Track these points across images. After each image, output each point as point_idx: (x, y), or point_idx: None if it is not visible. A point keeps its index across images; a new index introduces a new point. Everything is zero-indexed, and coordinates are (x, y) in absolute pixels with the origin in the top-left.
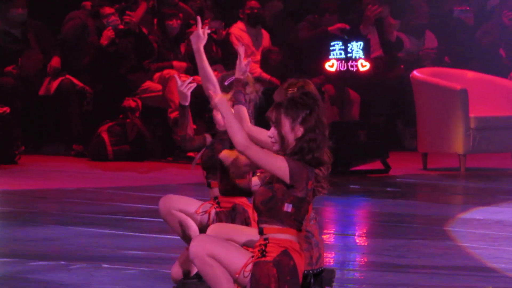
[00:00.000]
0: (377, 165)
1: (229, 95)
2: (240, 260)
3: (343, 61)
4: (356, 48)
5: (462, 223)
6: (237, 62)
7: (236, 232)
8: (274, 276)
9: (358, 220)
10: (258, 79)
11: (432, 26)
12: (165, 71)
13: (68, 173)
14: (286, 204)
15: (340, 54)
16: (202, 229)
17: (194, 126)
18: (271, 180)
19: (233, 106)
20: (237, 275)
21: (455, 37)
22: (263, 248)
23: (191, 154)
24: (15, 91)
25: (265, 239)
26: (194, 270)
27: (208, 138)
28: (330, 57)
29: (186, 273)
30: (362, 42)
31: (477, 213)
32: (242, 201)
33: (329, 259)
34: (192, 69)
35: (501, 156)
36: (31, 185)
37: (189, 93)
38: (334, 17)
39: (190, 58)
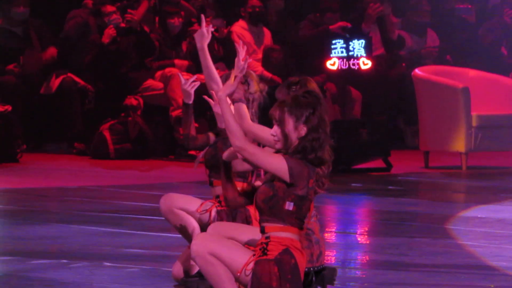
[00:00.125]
0: (378, 163)
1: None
2: (242, 258)
3: (345, 60)
4: (357, 46)
5: (464, 221)
6: (236, 60)
7: (237, 231)
8: (275, 275)
9: (359, 218)
10: (260, 78)
11: (434, 24)
12: (167, 70)
13: (69, 172)
14: (287, 203)
15: (342, 52)
16: (203, 227)
17: (196, 125)
18: (273, 178)
19: (233, 103)
20: (238, 274)
21: (457, 35)
22: (265, 247)
23: (192, 152)
24: (17, 90)
25: (267, 238)
26: (195, 269)
27: (212, 136)
28: (331, 55)
29: (187, 272)
30: (363, 41)
31: (479, 211)
32: None
33: (331, 257)
34: (194, 67)
35: (503, 155)
36: (33, 183)
37: (192, 91)
38: (335, 16)
39: (192, 56)
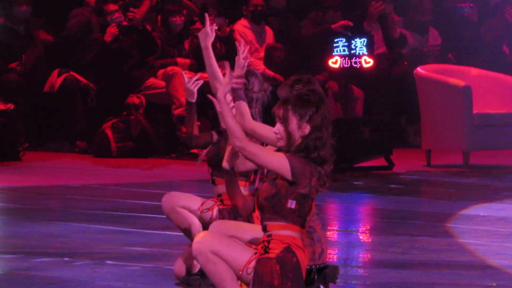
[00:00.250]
0: (380, 161)
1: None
2: (243, 257)
3: (347, 58)
4: (359, 44)
5: (466, 220)
6: (236, 58)
7: (239, 229)
8: (277, 273)
9: (361, 217)
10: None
11: (435, 23)
12: (169, 68)
13: (71, 170)
14: (289, 201)
15: (344, 50)
16: (205, 226)
17: (198, 123)
18: (275, 176)
19: (234, 102)
20: (240, 272)
21: (459, 33)
22: (266, 245)
23: (195, 150)
24: (19, 88)
25: (269, 236)
26: (197, 267)
27: (215, 135)
28: (333, 53)
29: (189, 270)
30: (365, 39)
31: (481, 210)
32: None
33: (333, 255)
34: (196, 66)
35: (505, 153)
36: (35, 181)
37: (195, 90)
38: (337, 14)
39: (194, 54)
